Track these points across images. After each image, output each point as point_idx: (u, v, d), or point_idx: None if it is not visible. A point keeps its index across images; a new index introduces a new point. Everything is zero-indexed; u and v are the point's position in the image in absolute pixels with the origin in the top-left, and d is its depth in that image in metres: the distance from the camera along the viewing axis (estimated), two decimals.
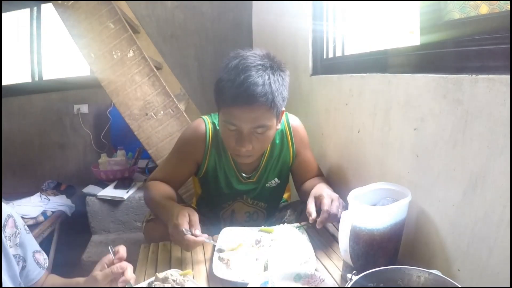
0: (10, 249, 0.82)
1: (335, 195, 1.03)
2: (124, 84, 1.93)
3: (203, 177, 1.26)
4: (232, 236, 1.05)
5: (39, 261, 0.89)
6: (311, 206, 1.01)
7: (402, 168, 0.94)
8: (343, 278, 0.85)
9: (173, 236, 0.96)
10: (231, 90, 1.00)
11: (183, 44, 2.94)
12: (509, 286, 0.61)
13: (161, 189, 1.18)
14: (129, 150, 2.52)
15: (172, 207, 1.03)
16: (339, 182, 1.32)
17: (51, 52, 2.92)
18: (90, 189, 2.24)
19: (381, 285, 0.66)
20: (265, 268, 0.88)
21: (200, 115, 1.28)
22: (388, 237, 0.80)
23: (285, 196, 1.44)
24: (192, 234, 0.93)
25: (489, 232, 0.66)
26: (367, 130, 1.12)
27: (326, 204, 0.98)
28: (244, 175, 1.24)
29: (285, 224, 1.10)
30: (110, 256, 0.79)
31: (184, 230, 0.92)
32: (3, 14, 2.76)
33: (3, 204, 0.83)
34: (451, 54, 0.84)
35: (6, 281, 0.78)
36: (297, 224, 1.09)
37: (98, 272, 0.76)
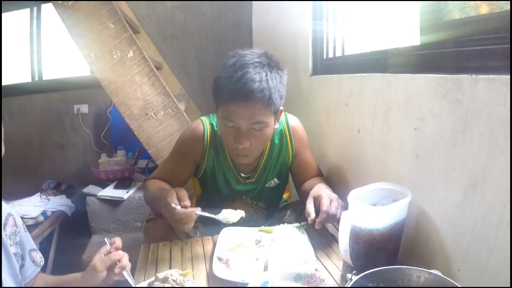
0: (10, 248, 0.82)
1: (334, 196, 1.04)
2: (124, 84, 1.93)
3: (202, 178, 1.27)
4: (232, 236, 1.05)
5: (35, 259, 0.90)
6: (310, 207, 1.01)
7: (402, 168, 0.94)
8: (343, 278, 0.85)
9: (167, 216, 0.95)
10: (228, 86, 1.01)
11: (183, 44, 2.94)
12: (509, 286, 0.61)
13: (159, 185, 1.19)
14: (129, 150, 2.52)
15: (163, 193, 1.03)
16: (339, 182, 1.32)
17: (51, 52, 2.92)
18: (90, 189, 2.24)
19: (381, 285, 0.66)
20: (265, 268, 0.88)
21: (200, 115, 1.29)
22: (388, 237, 0.80)
23: (285, 196, 1.44)
24: (182, 207, 0.93)
25: (489, 232, 0.66)
26: (367, 130, 1.12)
27: (325, 205, 0.99)
28: (243, 175, 1.24)
29: (285, 224, 1.10)
30: (107, 246, 0.85)
31: (173, 205, 0.92)
32: (3, 14, 2.76)
33: (2, 204, 0.83)
34: (451, 54, 0.84)
35: (7, 281, 0.78)
36: (297, 224, 1.09)
37: (96, 260, 0.83)
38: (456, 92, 0.73)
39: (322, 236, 1.07)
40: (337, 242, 0.94)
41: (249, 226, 1.12)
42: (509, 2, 0.73)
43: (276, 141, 1.23)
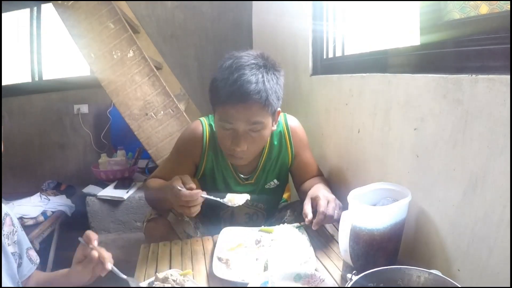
0: (8, 247, 0.82)
1: (331, 197, 1.04)
2: (124, 84, 1.93)
3: (201, 179, 1.26)
4: (232, 236, 1.05)
5: (31, 257, 0.91)
6: (307, 208, 1.02)
7: (402, 168, 0.94)
8: (343, 278, 0.85)
9: (173, 201, 0.95)
10: (224, 88, 1.00)
11: (183, 44, 2.95)
12: (509, 286, 0.61)
13: (159, 182, 1.19)
14: (129, 150, 2.52)
15: (167, 183, 1.04)
16: (339, 182, 1.32)
17: (51, 52, 2.92)
18: (90, 189, 2.24)
19: (381, 285, 0.66)
20: (265, 268, 0.88)
21: (200, 115, 1.29)
22: (388, 237, 0.80)
23: (285, 196, 1.44)
24: (188, 190, 0.93)
25: (489, 232, 0.66)
26: (367, 130, 1.12)
27: (322, 206, 0.99)
28: (242, 176, 1.24)
29: (285, 224, 1.10)
30: (82, 246, 0.82)
31: (178, 187, 0.93)
32: (3, 14, 2.76)
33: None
34: (451, 54, 0.84)
35: (5, 281, 0.78)
36: (297, 224, 1.09)
37: (78, 267, 0.80)
38: (456, 92, 0.73)
39: (322, 236, 1.07)
40: (337, 242, 0.95)
41: (249, 226, 1.12)
42: (509, 2, 0.73)
43: (275, 142, 1.23)
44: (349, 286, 0.63)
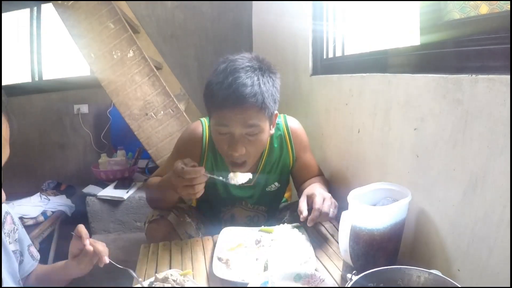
0: (9, 246, 0.82)
1: (327, 194, 1.04)
2: (124, 84, 1.93)
3: None
4: (232, 236, 1.05)
5: (33, 254, 0.92)
6: (302, 205, 1.01)
7: (402, 168, 0.94)
8: (343, 278, 0.85)
9: (177, 184, 0.95)
10: (220, 92, 0.99)
11: (183, 44, 2.95)
12: (509, 286, 0.61)
13: (159, 177, 1.19)
14: (129, 150, 2.52)
15: (169, 173, 1.04)
16: (339, 182, 1.32)
17: (51, 52, 2.92)
18: (90, 189, 2.24)
19: (381, 285, 0.66)
20: (265, 268, 0.88)
21: (200, 115, 1.28)
22: (388, 237, 0.80)
23: (286, 195, 1.43)
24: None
25: (489, 232, 0.66)
26: (367, 130, 1.12)
27: (317, 203, 0.99)
28: None
29: (285, 224, 1.10)
30: (75, 240, 0.83)
31: (180, 164, 0.94)
32: (3, 14, 2.76)
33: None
34: (451, 54, 0.84)
35: (6, 279, 0.78)
36: (297, 224, 1.09)
37: (74, 261, 0.82)
38: (456, 92, 0.73)
39: (322, 236, 1.07)
40: (337, 242, 0.95)
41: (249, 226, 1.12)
42: (509, 2, 0.73)
43: (276, 145, 1.21)
44: (349, 286, 0.63)
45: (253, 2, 2.66)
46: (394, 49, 1.11)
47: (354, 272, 0.67)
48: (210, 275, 0.89)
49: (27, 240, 0.91)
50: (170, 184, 0.99)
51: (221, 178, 1.01)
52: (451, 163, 0.75)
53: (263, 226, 1.09)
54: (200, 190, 0.96)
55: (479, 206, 0.69)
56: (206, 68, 2.93)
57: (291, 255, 0.93)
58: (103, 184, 2.31)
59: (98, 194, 2.15)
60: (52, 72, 2.95)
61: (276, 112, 1.10)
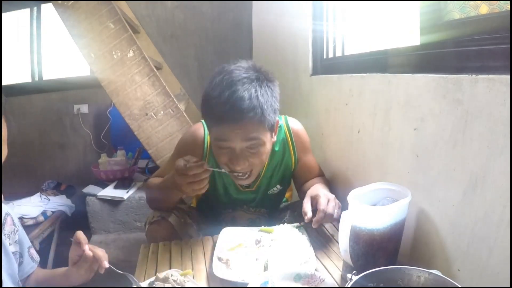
0: (9, 247, 0.82)
1: (331, 195, 1.03)
2: (124, 84, 1.93)
3: None
4: (232, 236, 1.04)
5: (33, 256, 0.92)
6: (306, 206, 1.01)
7: (402, 168, 0.94)
8: (343, 278, 0.85)
9: (181, 182, 0.95)
10: (217, 107, 0.96)
11: (183, 44, 2.94)
12: (509, 286, 0.61)
13: (160, 178, 1.18)
14: (129, 150, 2.52)
15: (171, 173, 1.04)
16: (339, 182, 1.32)
17: (51, 52, 2.92)
18: (90, 189, 2.25)
19: (381, 285, 0.66)
20: (265, 268, 0.88)
21: (200, 116, 1.27)
22: (388, 237, 0.80)
23: (286, 195, 1.43)
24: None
25: (489, 232, 0.66)
26: (367, 130, 1.12)
27: (322, 204, 0.98)
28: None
29: (285, 224, 1.10)
30: (75, 246, 0.82)
31: (183, 161, 0.94)
32: (3, 14, 2.76)
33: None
34: (451, 54, 0.84)
35: (5, 280, 0.78)
36: (297, 224, 1.09)
37: (75, 268, 0.82)
38: (456, 92, 0.73)
39: (322, 236, 1.07)
40: (337, 242, 0.95)
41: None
42: (509, 2, 0.73)
43: (277, 149, 1.19)
44: (349, 286, 0.63)
45: (253, 2, 2.66)
46: (394, 49, 1.11)
47: (354, 272, 0.67)
48: (210, 275, 0.89)
49: (27, 241, 0.91)
50: (173, 184, 0.99)
51: (223, 170, 1.02)
52: (451, 163, 0.75)
53: (263, 226, 1.09)
54: (205, 184, 0.96)
55: (479, 206, 0.69)
56: (206, 68, 2.93)
57: (291, 255, 0.93)
58: (103, 184, 2.31)
59: (98, 194, 2.15)
60: (52, 72, 2.95)
61: (277, 119, 1.08)
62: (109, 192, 2.19)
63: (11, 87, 2.83)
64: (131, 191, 2.20)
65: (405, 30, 1.16)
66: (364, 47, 1.40)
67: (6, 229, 0.83)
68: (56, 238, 2.08)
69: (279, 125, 1.18)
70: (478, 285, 0.69)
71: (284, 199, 1.43)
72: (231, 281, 0.84)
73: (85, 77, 2.82)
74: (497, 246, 0.65)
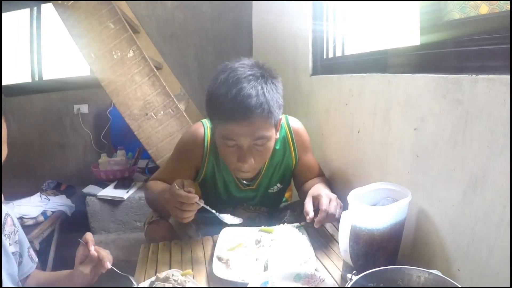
0: (9, 247, 0.83)
1: (333, 195, 1.03)
2: (124, 84, 1.93)
3: (202, 183, 1.24)
4: (232, 236, 1.05)
5: (32, 256, 0.92)
6: (308, 206, 1.01)
7: (402, 168, 0.94)
8: (343, 278, 0.85)
9: (169, 202, 0.93)
10: (225, 105, 0.96)
11: (183, 44, 2.95)
12: (509, 286, 0.61)
13: (161, 184, 1.18)
14: (129, 150, 2.52)
15: (168, 185, 1.03)
16: (339, 182, 1.32)
17: (51, 52, 2.92)
18: (90, 189, 2.24)
19: (381, 285, 0.66)
20: (265, 268, 0.88)
21: (200, 115, 1.28)
22: (388, 237, 0.80)
23: (286, 195, 1.43)
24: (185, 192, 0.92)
25: (489, 232, 0.66)
26: (367, 130, 1.12)
27: (324, 204, 0.98)
28: (243, 181, 1.22)
29: (285, 224, 1.10)
30: (82, 247, 0.85)
31: (176, 187, 0.92)
32: (3, 14, 2.76)
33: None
34: (451, 54, 0.84)
35: (5, 280, 0.78)
36: (297, 224, 1.09)
37: (80, 267, 0.83)
38: (456, 92, 0.73)
39: (322, 236, 1.07)
40: (337, 242, 0.95)
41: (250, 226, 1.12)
42: (509, 2, 0.73)
43: (278, 147, 1.20)
44: (349, 286, 0.63)
45: (253, 2, 2.66)
46: (394, 49, 1.11)
47: (354, 272, 0.67)
48: (210, 275, 0.89)
49: (26, 242, 0.91)
50: (164, 200, 0.98)
51: (213, 211, 0.99)
52: (451, 163, 0.75)
53: (263, 226, 1.09)
54: (188, 216, 0.93)
55: (479, 206, 0.69)
56: (206, 68, 2.93)
57: (291, 255, 0.93)
58: (103, 184, 2.30)
59: (98, 194, 2.15)
60: (52, 72, 2.95)
61: (280, 117, 1.09)
62: (109, 192, 2.19)
63: (11, 87, 2.83)
64: (131, 191, 2.20)
65: (405, 30, 1.16)
66: (364, 47, 1.40)
67: (6, 229, 0.83)
68: (56, 238, 2.08)
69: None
70: (478, 285, 0.69)
71: (284, 199, 1.43)
72: (231, 281, 0.84)
73: (85, 77, 2.82)
74: (497, 246, 0.65)
